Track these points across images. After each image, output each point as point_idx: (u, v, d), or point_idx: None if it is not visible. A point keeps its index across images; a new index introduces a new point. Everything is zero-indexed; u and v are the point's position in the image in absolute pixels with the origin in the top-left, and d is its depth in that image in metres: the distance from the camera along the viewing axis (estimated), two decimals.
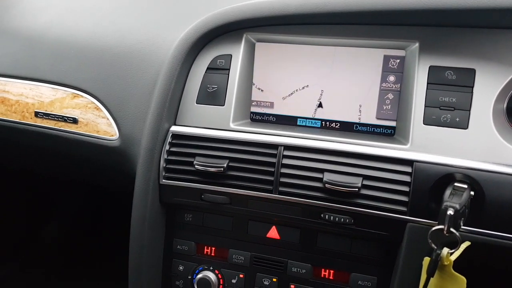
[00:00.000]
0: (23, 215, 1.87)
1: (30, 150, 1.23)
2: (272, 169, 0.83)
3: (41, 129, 1.07)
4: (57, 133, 1.06)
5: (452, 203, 0.67)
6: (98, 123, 1.01)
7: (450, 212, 0.66)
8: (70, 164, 1.27)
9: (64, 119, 1.05)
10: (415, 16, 0.78)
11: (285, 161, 0.83)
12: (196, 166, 0.86)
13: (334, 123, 0.89)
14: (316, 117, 0.90)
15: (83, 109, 1.02)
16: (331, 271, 0.87)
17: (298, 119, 0.91)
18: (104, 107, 1.00)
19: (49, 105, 1.06)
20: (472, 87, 0.77)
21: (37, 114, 1.08)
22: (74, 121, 1.04)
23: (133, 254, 0.93)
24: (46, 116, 1.07)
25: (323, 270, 0.88)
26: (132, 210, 0.92)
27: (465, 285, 0.69)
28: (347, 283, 0.86)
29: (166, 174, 0.90)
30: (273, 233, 0.89)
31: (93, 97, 1.01)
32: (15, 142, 1.18)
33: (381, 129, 0.86)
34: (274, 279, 0.90)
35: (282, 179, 0.83)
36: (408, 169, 0.77)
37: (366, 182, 0.78)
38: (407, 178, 0.77)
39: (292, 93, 0.91)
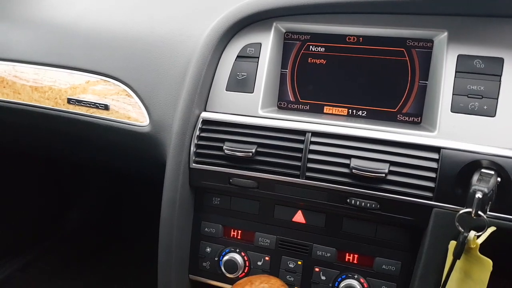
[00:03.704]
0: (51, 199, 1.93)
1: (62, 136, 1.27)
2: (300, 155, 0.86)
3: (74, 115, 1.11)
4: (88, 119, 1.09)
5: (480, 187, 0.69)
6: (129, 110, 1.05)
7: (479, 195, 0.68)
8: (100, 150, 1.31)
9: (96, 105, 1.08)
10: (444, 5, 0.79)
11: (313, 147, 0.85)
12: (225, 151, 0.89)
13: (360, 111, 0.90)
14: (342, 105, 0.92)
15: (115, 96, 1.06)
16: (356, 255, 0.89)
17: (325, 106, 0.93)
18: (136, 94, 1.03)
19: (82, 92, 1.10)
20: (500, 75, 0.78)
21: (69, 100, 1.12)
22: (106, 107, 1.07)
23: (163, 235, 0.96)
24: (79, 102, 1.10)
25: (347, 254, 0.90)
26: (163, 192, 0.95)
27: (491, 268, 0.71)
28: (371, 267, 0.88)
29: (196, 159, 0.93)
30: (298, 217, 0.92)
31: (124, 84, 1.04)
32: (48, 128, 1.22)
33: (408, 117, 0.88)
34: (299, 262, 0.93)
35: (309, 165, 0.85)
36: (435, 156, 0.78)
37: (393, 168, 0.80)
38: (434, 165, 0.78)
39: (318, 82, 0.93)
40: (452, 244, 0.74)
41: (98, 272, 1.82)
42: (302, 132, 0.87)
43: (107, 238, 2.03)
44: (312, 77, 0.93)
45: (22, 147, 1.62)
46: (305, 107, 0.94)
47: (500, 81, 0.78)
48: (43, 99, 1.15)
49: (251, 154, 0.88)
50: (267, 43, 0.92)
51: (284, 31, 0.94)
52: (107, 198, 2.18)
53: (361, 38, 0.89)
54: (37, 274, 1.76)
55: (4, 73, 1.18)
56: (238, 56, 0.94)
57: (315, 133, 0.86)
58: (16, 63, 1.18)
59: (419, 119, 0.87)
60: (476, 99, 0.79)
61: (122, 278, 1.77)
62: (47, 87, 1.14)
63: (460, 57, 0.80)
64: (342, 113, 0.92)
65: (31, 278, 1.74)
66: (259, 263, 0.95)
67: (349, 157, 0.83)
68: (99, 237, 2.03)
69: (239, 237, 0.97)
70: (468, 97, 0.79)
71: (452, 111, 0.80)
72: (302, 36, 0.93)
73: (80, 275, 1.80)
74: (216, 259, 0.98)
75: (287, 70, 0.95)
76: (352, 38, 0.89)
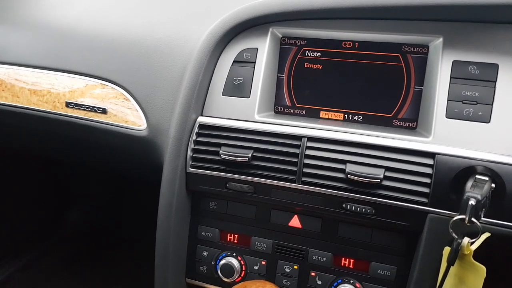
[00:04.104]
0: (51, 200, 1.94)
1: (60, 139, 1.28)
2: (296, 160, 0.86)
3: (72, 119, 1.11)
4: (86, 123, 1.10)
5: (474, 194, 0.69)
6: (126, 114, 1.05)
7: (472, 202, 0.68)
8: (98, 153, 1.31)
9: (94, 109, 1.09)
10: (440, 11, 0.80)
11: (309, 152, 0.86)
12: (221, 155, 0.89)
13: (356, 116, 0.91)
14: (338, 110, 0.92)
15: (113, 99, 1.06)
16: (351, 260, 0.90)
17: (321, 111, 0.93)
18: (133, 98, 1.03)
19: (80, 95, 1.11)
20: (495, 81, 0.78)
21: (68, 104, 1.12)
22: (104, 111, 1.08)
23: (160, 238, 0.97)
24: (77, 106, 1.11)
25: (343, 258, 0.90)
26: (160, 196, 0.96)
27: (485, 274, 0.71)
28: (366, 272, 0.88)
29: (192, 163, 0.93)
30: (295, 222, 0.92)
31: (122, 88, 1.05)
32: (47, 131, 1.22)
33: (404, 122, 0.88)
34: (295, 267, 0.93)
35: (305, 170, 0.85)
36: (430, 161, 0.79)
37: (388, 174, 0.80)
38: (428, 170, 0.79)
39: (315, 87, 0.93)
40: (446, 250, 0.75)
41: (98, 273, 1.83)
42: (298, 137, 0.87)
43: (106, 239, 2.04)
44: (308, 82, 0.93)
45: (22, 149, 1.62)
46: (302, 112, 0.95)
47: (494, 87, 0.78)
48: (42, 102, 1.16)
49: (247, 158, 0.88)
50: (264, 48, 0.92)
51: (281, 36, 0.94)
52: (107, 199, 2.19)
53: (357, 44, 0.89)
54: (37, 275, 1.77)
55: (4, 76, 1.19)
56: (234, 61, 0.94)
57: (311, 138, 0.86)
58: (15, 67, 1.18)
59: (415, 124, 0.87)
60: (471, 105, 0.79)
61: (121, 278, 1.78)
62: (45, 90, 1.15)
63: (455, 63, 0.81)
64: (338, 118, 0.92)
65: (31, 278, 1.75)
66: (256, 267, 0.96)
67: (344, 162, 0.83)
68: (99, 238, 2.04)
69: (235, 241, 0.98)
70: (463, 103, 0.79)
71: (447, 116, 0.80)
72: (299, 41, 0.93)
73: (80, 275, 1.81)
74: (212, 263, 0.99)
75: (283, 75, 0.95)
76: (348, 43, 0.90)
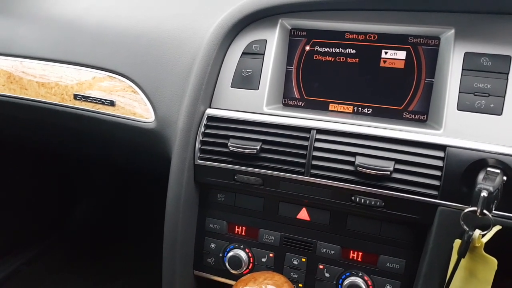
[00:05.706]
0: (55, 196, 1.95)
1: (68, 131, 1.28)
2: (304, 152, 0.86)
3: (80, 111, 1.12)
4: (94, 115, 1.10)
5: (486, 186, 0.68)
6: (134, 106, 1.05)
7: (484, 194, 0.68)
8: (106, 145, 1.31)
9: (102, 101, 1.09)
10: (452, 2, 0.79)
11: (318, 144, 0.85)
12: (230, 147, 0.89)
13: (366, 109, 0.90)
14: (348, 102, 0.91)
15: (121, 92, 1.06)
16: (360, 253, 0.89)
17: (330, 103, 0.92)
18: (141, 91, 1.03)
19: (88, 88, 1.11)
20: (508, 73, 0.78)
21: (76, 96, 1.12)
22: (112, 103, 1.08)
23: (168, 230, 0.97)
24: (85, 98, 1.11)
25: (351, 251, 0.90)
26: (168, 188, 0.96)
27: (496, 267, 0.71)
28: (375, 265, 0.88)
29: (201, 155, 0.93)
30: (303, 214, 0.92)
31: (130, 80, 1.05)
32: (54, 123, 1.22)
33: (414, 115, 0.87)
34: (303, 259, 0.93)
35: (314, 162, 0.85)
36: (441, 154, 0.78)
37: (398, 166, 0.80)
38: (439, 163, 0.78)
39: (324, 79, 0.93)
40: (457, 242, 0.74)
41: (103, 267, 1.83)
42: (307, 129, 0.87)
43: (112, 234, 2.05)
44: (317, 74, 0.93)
45: (30, 142, 1.63)
46: (310, 104, 0.94)
47: (507, 79, 0.78)
48: (50, 95, 1.16)
49: (255, 151, 0.88)
50: (273, 39, 0.92)
51: (290, 27, 0.94)
52: (113, 194, 2.19)
53: (367, 35, 0.88)
54: (43, 269, 1.78)
55: (12, 68, 1.19)
56: (243, 53, 0.94)
57: (320, 131, 0.86)
58: (22, 59, 1.18)
59: (425, 117, 0.86)
60: (483, 97, 0.78)
61: (127, 273, 1.79)
62: (53, 83, 1.15)
63: (467, 55, 0.80)
64: (348, 111, 0.91)
65: (37, 272, 1.75)
66: (263, 260, 0.96)
67: (354, 154, 0.83)
68: (105, 233, 2.05)
69: (243, 233, 0.97)
70: (475, 95, 0.79)
71: (458, 109, 0.79)
72: (308, 33, 0.93)
73: (86, 269, 1.82)
74: (220, 255, 0.99)
75: (292, 67, 0.94)
76: (358, 35, 0.89)
